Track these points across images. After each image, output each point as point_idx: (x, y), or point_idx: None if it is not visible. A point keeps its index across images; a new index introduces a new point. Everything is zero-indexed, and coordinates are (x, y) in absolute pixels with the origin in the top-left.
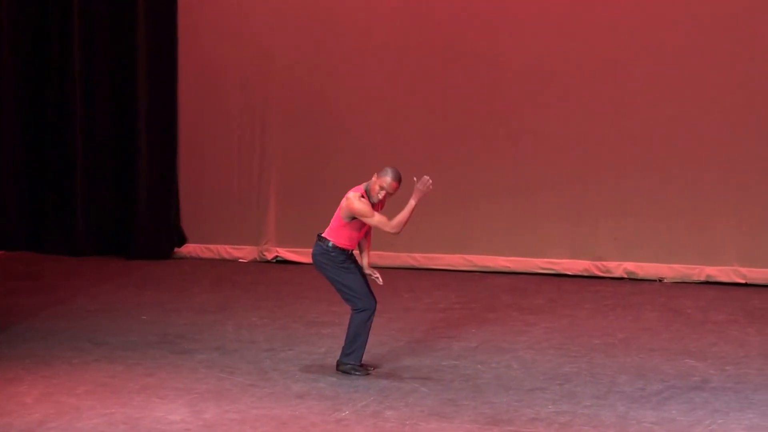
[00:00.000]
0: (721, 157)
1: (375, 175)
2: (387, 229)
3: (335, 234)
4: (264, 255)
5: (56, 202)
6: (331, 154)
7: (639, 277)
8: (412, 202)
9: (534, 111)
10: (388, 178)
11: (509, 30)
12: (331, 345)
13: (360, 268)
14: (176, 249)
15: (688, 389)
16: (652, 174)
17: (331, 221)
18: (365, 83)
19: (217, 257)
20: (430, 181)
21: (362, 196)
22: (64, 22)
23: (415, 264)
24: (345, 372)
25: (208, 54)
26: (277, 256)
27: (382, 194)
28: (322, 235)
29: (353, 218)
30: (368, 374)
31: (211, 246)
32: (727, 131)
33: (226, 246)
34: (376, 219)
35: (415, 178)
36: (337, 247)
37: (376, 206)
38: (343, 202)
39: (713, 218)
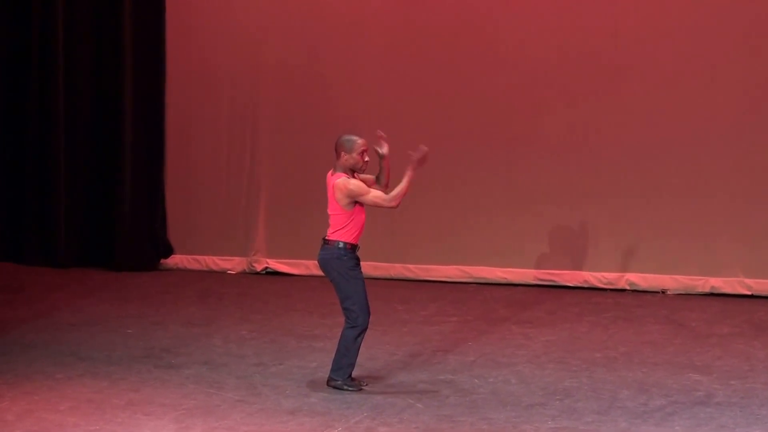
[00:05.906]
0: (725, 167)
1: (341, 156)
2: (384, 204)
3: (344, 231)
4: (253, 266)
5: (37, 211)
6: (323, 162)
7: (641, 289)
8: (409, 174)
9: (531, 120)
10: (358, 143)
11: (506, 38)
12: (323, 359)
13: (363, 279)
14: (162, 260)
15: (692, 404)
16: (654, 183)
17: (331, 221)
18: (358, 90)
19: (205, 269)
20: (426, 149)
21: (350, 177)
22: (47, 21)
23: (410, 275)
24: (336, 387)
25: (197, 57)
26: (266, 268)
27: (367, 157)
28: (329, 238)
29: (354, 203)
30: (361, 389)
31: (199, 257)
32: (732, 139)
33: (214, 257)
34: (372, 195)
35: (410, 152)
36: (347, 247)
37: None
38: (337, 194)
39: (718, 228)
